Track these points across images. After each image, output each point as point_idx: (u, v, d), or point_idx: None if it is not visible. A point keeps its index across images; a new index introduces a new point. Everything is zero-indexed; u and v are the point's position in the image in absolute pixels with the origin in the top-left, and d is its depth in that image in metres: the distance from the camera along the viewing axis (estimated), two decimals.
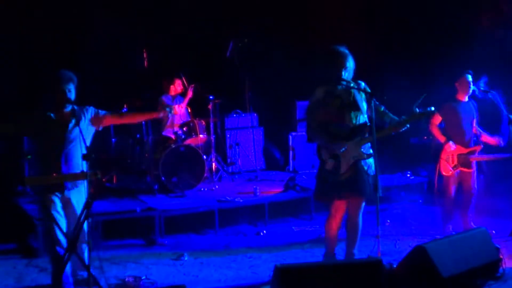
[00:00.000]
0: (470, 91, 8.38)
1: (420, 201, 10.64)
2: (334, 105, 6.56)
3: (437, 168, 8.50)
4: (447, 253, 6.14)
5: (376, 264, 5.80)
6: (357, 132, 6.57)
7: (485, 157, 8.52)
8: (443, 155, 8.42)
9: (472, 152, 8.38)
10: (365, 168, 6.60)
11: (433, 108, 6.51)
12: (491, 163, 9.52)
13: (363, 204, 6.79)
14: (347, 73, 6.59)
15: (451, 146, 8.33)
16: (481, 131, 8.46)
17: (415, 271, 6.15)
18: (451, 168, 8.39)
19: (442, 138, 8.43)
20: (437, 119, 8.51)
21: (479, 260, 6.37)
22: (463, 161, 8.36)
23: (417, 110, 6.46)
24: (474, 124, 8.46)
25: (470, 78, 8.35)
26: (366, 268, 5.82)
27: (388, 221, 9.38)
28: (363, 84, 6.72)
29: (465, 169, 8.38)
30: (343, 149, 6.48)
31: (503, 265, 6.69)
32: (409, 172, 11.12)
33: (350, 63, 6.61)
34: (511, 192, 8.47)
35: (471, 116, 8.42)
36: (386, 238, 8.33)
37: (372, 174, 6.60)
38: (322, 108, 6.56)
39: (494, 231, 8.25)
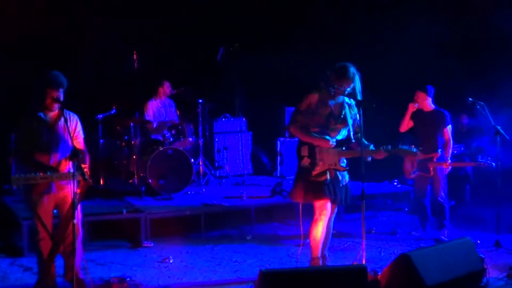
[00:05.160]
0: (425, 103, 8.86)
1: (406, 209, 10.68)
2: (324, 114, 6.70)
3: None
4: (432, 262, 6.18)
5: (360, 271, 5.83)
6: (338, 144, 6.74)
7: (445, 164, 8.76)
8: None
9: (430, 159, 8.73)
10: (340, 178, 6.80)
11: (415, 150, 6.77)
12: (478, 174, 9.59)
13: (336, 209, 7.00)
14: (350, 90, 6.71)
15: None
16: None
17: (399, 279, 6.17)
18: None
19: None
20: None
21: (463, 269, 6.41)
22: (422, 166, 8.80)
23: (402, 147, 6.76)
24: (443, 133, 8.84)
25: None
26: (350, 274, 5.85)
27: (374, 228, 9.40)
28: (353, 102, 6.86)
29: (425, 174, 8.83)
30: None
31: (487, 275, 6.74)
32: (396, 181, 11.16)
33: (358, 84, 6.72)
34: (496, 203, 8.51)
35: (432, 125, 8.83)
36: (371, 246, 8.35)
37: (344, 184, 6.85)
38: (311, 114, 6.68)
39: (478, 241, 8.31)
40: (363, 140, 6.69)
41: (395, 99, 9.70)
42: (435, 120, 8.78)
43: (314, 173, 6.65)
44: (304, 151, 6.71)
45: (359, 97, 6.67)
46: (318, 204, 6.77)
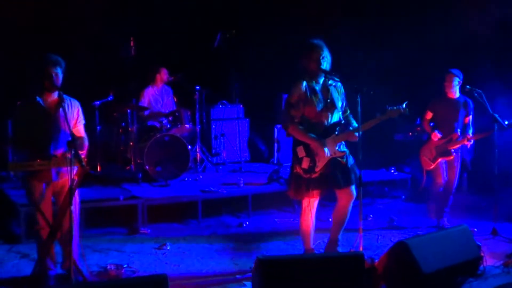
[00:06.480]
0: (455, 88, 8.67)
1: (403, 197, 10.69)
2: (315, 102, 6.60)
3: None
4: (429, 249, 6.17)
5: (357, 258, 5.82)
6: (331, 130, 6.67)
7: (465, 139, 8.64)
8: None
9: (450, 140, 8.67)
10: (344, 160, 6.69)
11: (404, 105, 6.59)
12: (475, 162, 9.58)
13: (354, 195, 6.81)
14: (326, 63, 6.63)
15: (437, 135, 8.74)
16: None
17: (396, 266, 6.17)
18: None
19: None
20: (429, 115, 8.90)
21: (460, 257, 6.41)
22: (443, 150, 8.71)
23: (388, 108, 6.60)
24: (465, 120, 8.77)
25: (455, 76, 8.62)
26: (347, 262, 5.83)
27: (371, 215, 9.42)
28: (339, 83, 6.80)
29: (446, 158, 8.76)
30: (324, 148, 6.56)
31: (484, 263, 6.74)
32: (393, 168, 11.15)
33: (327, 54, 6.65)
34: (493, 191, 8.52)
35: (456, 113, 8.68)
36: (368, 233, 8.36)
37: (350, 164, 6.72)
38: (303, 104, 6.58)
39: (475, 229, 8.32)
40: (353, 120, 6.73)
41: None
42: (459, 107, 8.68)
43: (317, 169, 6.56)
44: (301, 152, 6.58)
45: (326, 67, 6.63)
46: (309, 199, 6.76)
